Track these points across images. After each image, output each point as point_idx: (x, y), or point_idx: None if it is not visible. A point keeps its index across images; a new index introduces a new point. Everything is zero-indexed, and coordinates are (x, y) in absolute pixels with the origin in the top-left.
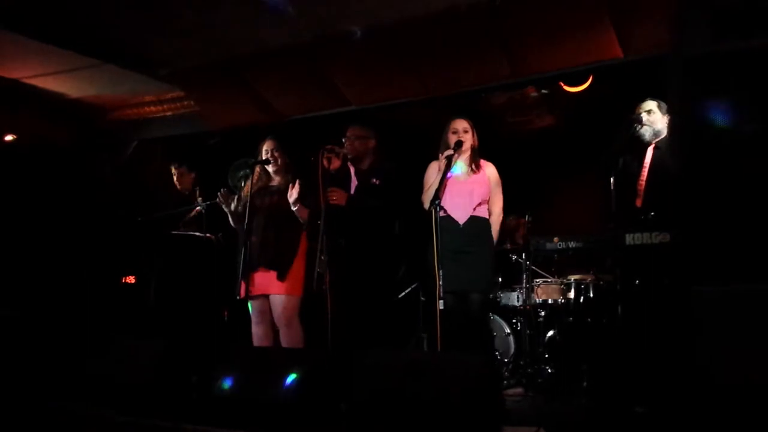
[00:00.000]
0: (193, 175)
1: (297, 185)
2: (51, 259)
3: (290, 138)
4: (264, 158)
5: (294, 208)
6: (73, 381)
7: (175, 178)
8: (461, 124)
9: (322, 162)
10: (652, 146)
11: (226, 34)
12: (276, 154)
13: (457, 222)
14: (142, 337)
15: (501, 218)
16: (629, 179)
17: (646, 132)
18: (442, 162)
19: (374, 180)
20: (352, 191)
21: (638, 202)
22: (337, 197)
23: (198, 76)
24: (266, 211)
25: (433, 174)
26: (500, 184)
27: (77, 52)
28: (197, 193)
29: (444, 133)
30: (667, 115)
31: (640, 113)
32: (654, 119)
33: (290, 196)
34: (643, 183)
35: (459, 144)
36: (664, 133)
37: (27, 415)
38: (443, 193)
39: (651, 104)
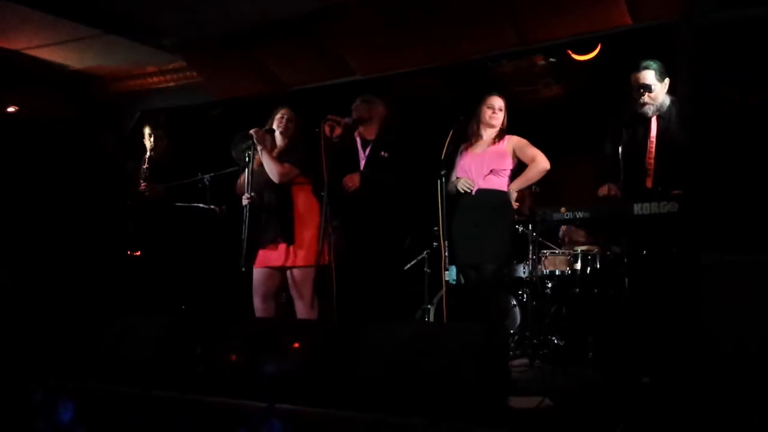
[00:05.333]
0: (167, 142)
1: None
2: (53, 233)
3: (295, 109)
4: (269, 127)
5: (269, 163)
6: (78, 357)
7: (150, 140)
8: (498, 102)
9: (324, 130)
10: (655, 117)
11: (230, 3)
12: (286, 119)
13: (471, 193)
14: (148, 310)
15: (539, 169)
16: (637, 151)
17: (648, 110)
18: (473, 136)
19: (383, 153)
20: (361, 163)
21: (648, 182)
22: (351, 183)
23: (202, 47)
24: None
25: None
26: (529, 144)
27: (78, 22)
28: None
29: (478, 107)
30: (666, 80)
31: (639, 89)
32: (654, 95)
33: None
34: (652, 160)
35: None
36: (667, 101)
37: (31, 392)
38: (460, 166)
39: (649, 77)
